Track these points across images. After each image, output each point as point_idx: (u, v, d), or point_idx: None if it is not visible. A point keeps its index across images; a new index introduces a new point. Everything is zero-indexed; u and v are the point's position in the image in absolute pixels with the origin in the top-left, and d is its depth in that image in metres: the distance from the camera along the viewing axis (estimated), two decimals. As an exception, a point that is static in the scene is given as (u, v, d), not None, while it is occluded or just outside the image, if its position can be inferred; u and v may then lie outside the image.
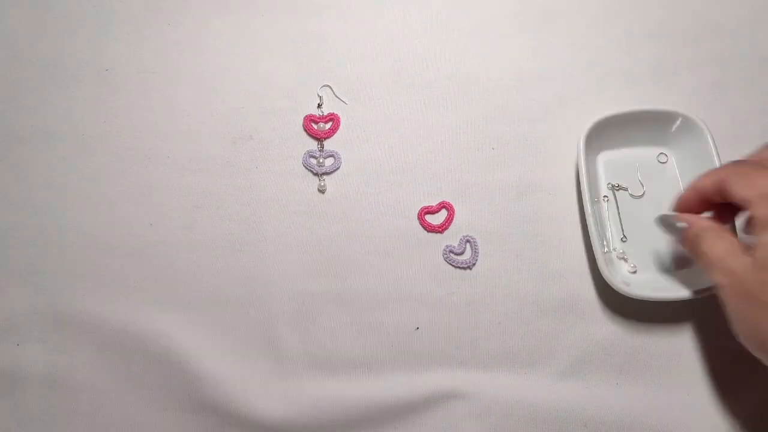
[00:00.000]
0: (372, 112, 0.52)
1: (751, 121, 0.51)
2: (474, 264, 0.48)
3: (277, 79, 0.53)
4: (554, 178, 0.50)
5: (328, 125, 0.51)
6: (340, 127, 0.51)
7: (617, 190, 0.49)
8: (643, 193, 0.49)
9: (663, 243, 0.48)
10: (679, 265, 0.47)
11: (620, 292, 0.44)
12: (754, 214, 0.37)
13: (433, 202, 0.49)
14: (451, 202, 0.49)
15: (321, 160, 0.50)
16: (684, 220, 0.42)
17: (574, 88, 0.52)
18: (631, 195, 0.49)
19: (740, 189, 0.38)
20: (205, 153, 0.51)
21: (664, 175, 0.49)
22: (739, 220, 0.43)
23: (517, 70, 0.53)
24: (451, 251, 0.48)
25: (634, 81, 0.52)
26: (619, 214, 0.49)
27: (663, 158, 0.50)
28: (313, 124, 0.51)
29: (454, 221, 0.49)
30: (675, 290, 0.45)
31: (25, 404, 0.45)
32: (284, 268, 0.48)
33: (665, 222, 0.44)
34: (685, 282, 0.45)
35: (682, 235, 0.42)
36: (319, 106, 0.52)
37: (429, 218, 0.49)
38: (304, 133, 0.51)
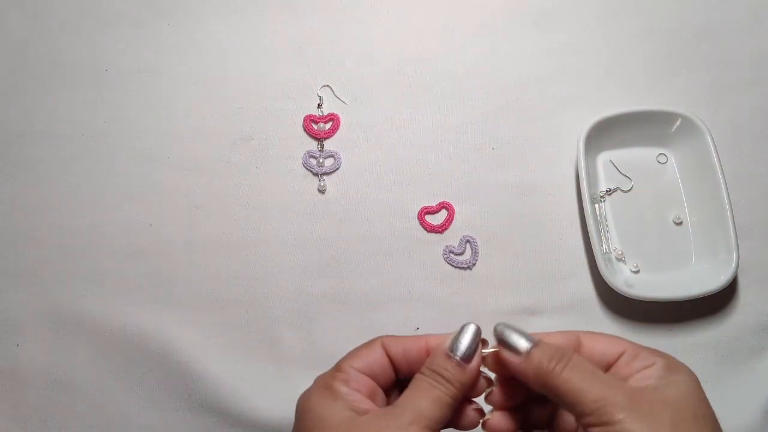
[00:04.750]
0: (372, 112, 0.52)
1: (751, 121, 0.51)
2: (474, 264, 0.48)
3: (277, 79, 0.52)
4: (554, 178, 0.50)
5: (328, 125, 0.51)
6: (340, 127, 0.51)
7: (609, 194, 0.49)
8: (631, 187, 0.49)
9: (661, 243, 0.48)
10: (679, 265, 0.47)
11: (619, 292, 0.44)
12: None
13: (433, 202, 0.49)
14: (451, 202, 0.49)
15: (321, 161, 0.50)
16: None
17: (574, 89, 0.52)
18: (621, 190, 0.49)
19: None
20: (205, 153, 0.51)
21: (664, 175, 0.49)
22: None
23: (517, 70, 0.53)
24: (451, 251, 0.48)
25: (634, 81, 0.52)
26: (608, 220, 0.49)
27: (663, 158, 0.50)
28: (313, 124, 0.51)
29: (454, 221, 0.49)
30: (675, 290, 0.45)
31: (25, 404, 0.45)
32: (284, 268, 0.48)
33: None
34: (685, 282, 0.45)
35: None
36: (319, 106, 0.52)
37: (429, 218, 0.49)
38: (304, 133, 0.51)
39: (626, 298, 0.44)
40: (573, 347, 0.31)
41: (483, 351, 0.32)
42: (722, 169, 0.46)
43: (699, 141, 0.47)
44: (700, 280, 0.45)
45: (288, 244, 0.48)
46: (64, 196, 0.50)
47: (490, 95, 0.52)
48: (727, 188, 0.45)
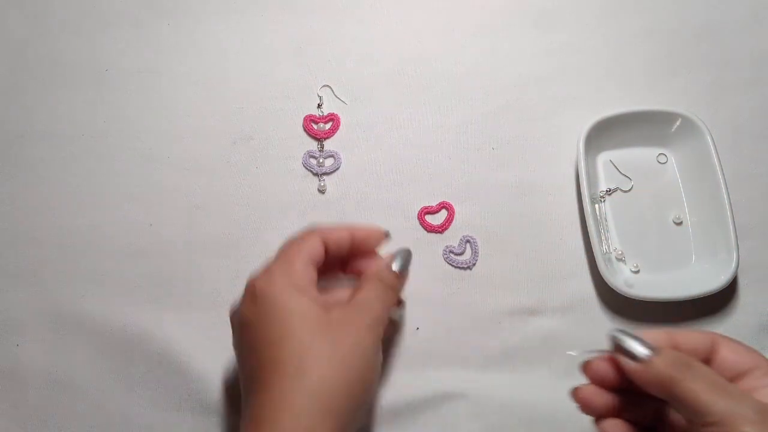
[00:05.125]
0: (372, 112, 0.52)
1: (751, 121, 0.51)
2: (474, 264, 0.48)
3: (277, 79, 0.52)
4: (554, 178, 0.50)
5: (328, 125, 0.51)
6: (340, 127, 0.51)
7: (609, 194, 0.49)
8: (631, 187, 0.49)
9: (661, 243, 0.48)
10: (679, 265, 0.47)
11: (619, 292, 0.44)
12: None
13: (433, 202, 0.49)
14: (451, 202, 0.49)
15: (321, 161, 0.50)
16: None
17: (574, 89, 0.52)
18: (621, 190, 0.49)
19: None
20: (205, 153, 0.51)
21: (664, 175, 0.49)
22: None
23: (517, 70, 0.53)
24: (451, 251, 0.48)
25: (634, 81, 0.52)
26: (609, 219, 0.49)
27: (663, 158, 0.50)
28: (313, 124, 0.51)
29: (454, 221, 0.49)
30: (675, 290, 0.45)
31: (25, 404, 0.45)
32: (284, 268, 0.48)
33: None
34: (685, 282, 0.45)
35: None
36: (319, 106, 0.52)
37: (429, 218, 0.49)
38: (304, 133, 0.51)
39: (626, 298, 0.44)
40: (707, 349, 0.32)
41: (592, 355, 0.33)
42: (722, 169, 0.46)
43: (699, 141, 0.47)
44: (700, 280, 0.45)
45: (288, 244, 0.48)
46: (64, 196, 0.50)
47: (490, 95, 0.52)
48: (727, 188, 0.45)
